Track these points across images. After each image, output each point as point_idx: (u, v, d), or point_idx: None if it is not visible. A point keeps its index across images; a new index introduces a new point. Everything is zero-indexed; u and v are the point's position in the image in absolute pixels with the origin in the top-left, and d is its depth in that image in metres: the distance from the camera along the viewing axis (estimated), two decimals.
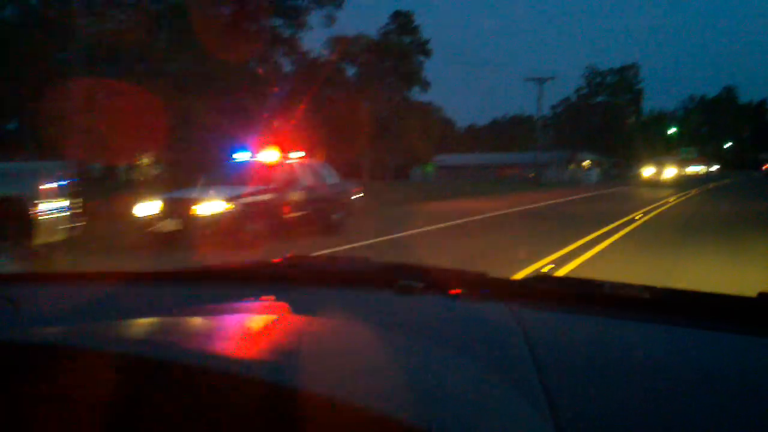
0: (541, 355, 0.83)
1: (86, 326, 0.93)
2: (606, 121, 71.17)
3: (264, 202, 10.86)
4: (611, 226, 13.59)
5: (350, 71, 45.68)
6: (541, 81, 51.51)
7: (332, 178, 13.46)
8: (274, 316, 1.00)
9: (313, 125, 32.84)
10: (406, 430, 0.56)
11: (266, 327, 0.92)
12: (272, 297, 1.13)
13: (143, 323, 0.94)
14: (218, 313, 1.02)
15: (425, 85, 47.83)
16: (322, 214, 12.27)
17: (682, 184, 38.96)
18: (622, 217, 15.50)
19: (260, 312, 1.05)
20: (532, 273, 6.07)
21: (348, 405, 0.59)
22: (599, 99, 77.57)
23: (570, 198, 26.31)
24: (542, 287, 1.17)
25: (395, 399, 0.62)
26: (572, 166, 63.94)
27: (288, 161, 12.24)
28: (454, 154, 77.93)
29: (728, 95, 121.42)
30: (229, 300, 1.11)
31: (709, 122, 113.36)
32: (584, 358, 0.85)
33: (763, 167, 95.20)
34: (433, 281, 1.18)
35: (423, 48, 47.05)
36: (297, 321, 0.96)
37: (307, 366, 0.68)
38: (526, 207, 20.87)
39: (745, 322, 0.98)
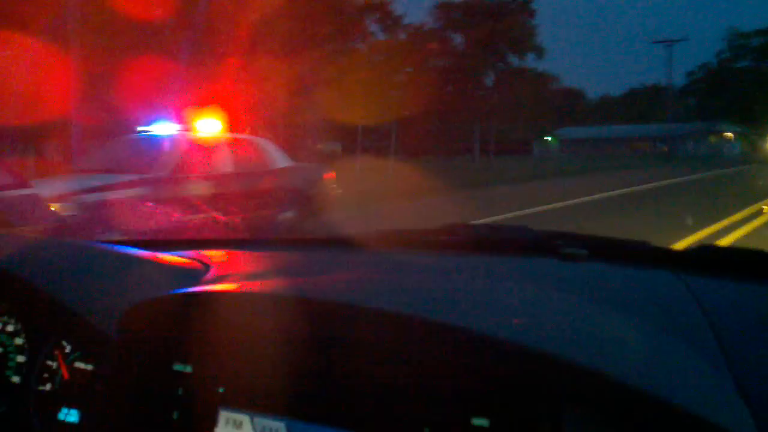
0: (714, 319, 0.84)
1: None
2: (752, 88, 63.56)
3: (134, 200, 6.83)
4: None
5: (456, 40, 43.61)
6: (671, 43, 46.49)
7: (281, 160, 9.41)
8: (454, 276, 1.11)
9: (407, 99, 31.53)
10: (586, 373, 0.64)
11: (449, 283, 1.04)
12: (445, 260, 1.25)
13: (330, 279, 1.07)
14: (398, 270, 1.18)
15: (539, 52, 44.26)
16: (255, 214, 7.97)
17: None
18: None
19: (438, 272, 1.16)
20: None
21: (533, 350, 0.67)
22: (743, 64, 69.27)
23: (691, 177, 22.68)
24: (705, 255, 1.15)
25: (578, 346, 0.69)
26: (712, 139, 58.25)
27: (192, 136, 8.36)
28: (580, 127, 73.89)
29: None
30: (405, 261, 1.24)
31: None
32: (757, 322, 0.86)
33: None
34: (597, 249, 1.18)
35: (526, 8, 42.13)
36: (475, 279, 1.07)
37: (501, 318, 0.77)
38: (624, 190, 17.55)
39: None
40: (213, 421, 0.83)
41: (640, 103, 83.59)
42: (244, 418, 0.82)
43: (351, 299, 0.82)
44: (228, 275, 1.17)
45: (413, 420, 0.73)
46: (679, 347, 0.75)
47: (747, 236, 8.39)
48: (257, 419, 0.81)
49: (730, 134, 59.12)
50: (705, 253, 1.15)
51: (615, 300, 0.95)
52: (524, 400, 0.69)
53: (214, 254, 1.36)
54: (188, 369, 0.88)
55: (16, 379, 1.06)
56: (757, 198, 13.07)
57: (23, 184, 6.17)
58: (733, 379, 0.67)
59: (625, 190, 17.03)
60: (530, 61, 44.51)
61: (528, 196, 15.48)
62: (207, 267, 1.21)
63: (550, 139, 66.03)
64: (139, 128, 8.91)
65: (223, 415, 0.83)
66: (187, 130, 8.50)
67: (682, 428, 0.59)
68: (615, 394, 0.63)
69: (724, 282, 1.05)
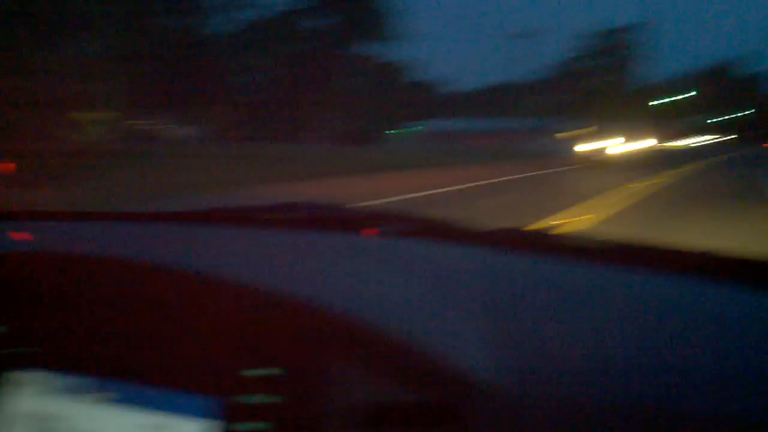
0: (499, 292, 0.94)
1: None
2: (598, 86, 66.05)
3: None
4: None
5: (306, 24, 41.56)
6: (526, 37, 46.65)
7: None
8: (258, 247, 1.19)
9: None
10: (357, 324, 0.74)
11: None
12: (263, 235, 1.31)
13: (143, 244, 1.18)
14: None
15: (391, 40, 42.88)
16: None
17: (637, 165, 25.29)
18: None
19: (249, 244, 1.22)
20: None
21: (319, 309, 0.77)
22: (594, 63, 72.05)
23: (464, 185, 21.55)
24: (510, 236, 1.26)
25: (360, 306, 0.80)
26: (560, 135, 59.74)
27: None
28: (444, 119, 74.03)
29: (744, 61, 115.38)
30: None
31: (718, 91, 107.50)
32: (535, 292, 0.95)
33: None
34: (410, 228, 1.29)
35: None
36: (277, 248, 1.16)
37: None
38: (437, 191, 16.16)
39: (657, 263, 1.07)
40: (24, 381, 0.87)
41: (503, 98, 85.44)
42: (56, 378, 0.86)
43: (155, 260, 0.92)
44: (39, 241, 1.21)
45: (218, 372, 0.81)
46: (447, 308, 0.84)
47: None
48: (70, 379, 0.85)
49: (562, 134, 60.62)
50: (511, 235, 1.25)
51: (412, 269, 1.03)
52: (304, 351, 0.77)
53: (37, 225, 1.40)
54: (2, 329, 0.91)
55: None
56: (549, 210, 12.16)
57: None
58: (492, 341, 0.75)
59: (437, 191, 15.41)
60: (390, 51, 43.17)
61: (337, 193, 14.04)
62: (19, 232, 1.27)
63: (407, 130, 65.63)
64: None
65: (34, 376, 0.88)
66: None
67: (434, 373, 0.70)
68: (377, 344, 0.73)
69: (524, 257, 1.14)
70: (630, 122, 41.51)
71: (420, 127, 67.57)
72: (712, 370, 0.70)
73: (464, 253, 1.16)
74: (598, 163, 23.62)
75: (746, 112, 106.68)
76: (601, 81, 68.17)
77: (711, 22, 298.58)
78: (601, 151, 24.15)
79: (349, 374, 0.75)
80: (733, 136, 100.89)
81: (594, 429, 0.65)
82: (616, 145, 24.24)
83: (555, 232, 1.43)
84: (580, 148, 25.11)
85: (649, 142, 39.60)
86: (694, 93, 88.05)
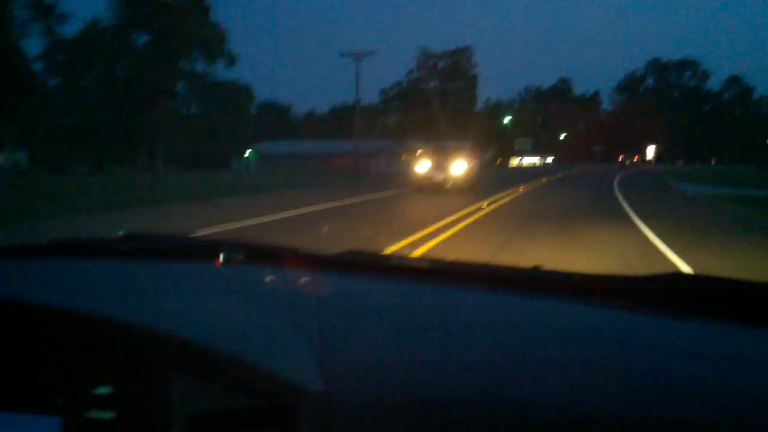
0: (325, 306, 1.02)
1: None
2: (438, 108, 67.75)
3: None
4: None
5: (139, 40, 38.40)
6: (359, 57, 46.11)
7: None
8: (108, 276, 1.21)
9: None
10: (184, 343, 0.84)
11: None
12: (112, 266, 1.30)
13: None
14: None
15: (226, 60, 40.58)
16: None
17: (476, 189, 23.23)
18: None
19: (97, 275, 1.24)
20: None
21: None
22: (432, 84, 74.03)
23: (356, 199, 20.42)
24: (349, 260, 1.35)
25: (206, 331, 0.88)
26: (404, 157, 60.41)
27: None
28: (283, 142, 72.67)
29: (563, 86, 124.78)
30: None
31: (543, 113, 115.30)
32: (359, 311, 1.03)
33: (620, 159, 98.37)
34: (253, 254, 1.36)
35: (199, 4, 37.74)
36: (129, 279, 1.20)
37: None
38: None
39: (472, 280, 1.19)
40: None
41: (343, 120, 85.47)
42: None
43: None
44: None
45: (56, 392, 0.89)
46: (279, 326, 0.92)
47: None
48: None
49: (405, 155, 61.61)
50: (350, 258, 1.33)
51: (248, 292, 1.11)
52: (140, 370, 0.87)
53: None
54: None
55: None
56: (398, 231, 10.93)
57: None
58: (319, 348, 0.85)
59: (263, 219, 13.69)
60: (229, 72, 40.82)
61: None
62: None
63: (251, 154, 63.38)
64: None
65: None
66: None
67: (265, 382, 0.80)
68: (209, 360, 0.82)
69: (354, 279, 1.22)
70: (469, 142, 40.87)
71: (263, 151, 65.56)
72: (490, 365, 0.82)
73: (302, 276, 1.21)
74: (440, 183, 22.45)
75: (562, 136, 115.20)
76: (441, 102, 70.06)
77: (544, 46, 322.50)
78: (443, 171, 22.61)
79: (185, 388, 0.82)
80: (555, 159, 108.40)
81: (420, 426, 0.75)
82: (455, 166, 22.76)
83: (396, 254, 1.44)
84: (422, 168, 23.30)
85: (487, 162, 40.52)
86: (512, 118, 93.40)
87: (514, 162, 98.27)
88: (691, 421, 0.72)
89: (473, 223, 12.65)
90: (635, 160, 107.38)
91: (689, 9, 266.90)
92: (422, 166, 23.51)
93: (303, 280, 1.17)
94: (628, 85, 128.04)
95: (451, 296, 1.11)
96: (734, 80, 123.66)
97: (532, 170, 58.30)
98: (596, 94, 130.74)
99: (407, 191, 22.89)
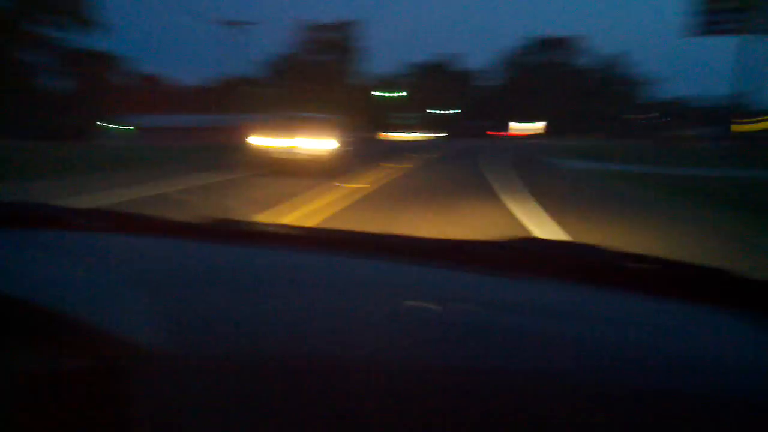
0: (175, 269, 1.05)
1: None
2: (316, 81, 66.38)
3: None
4: None
5: None
6: (239, 25, 44.27)
7: None
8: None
9: None
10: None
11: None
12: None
13: None
14: None
15: (87, 24, 37.82)
16: None
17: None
18: None
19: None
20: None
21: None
22: (318, 57, 72.50)
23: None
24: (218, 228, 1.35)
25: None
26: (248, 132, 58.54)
27: None
28: (162, 115, 69.31)
29: (450, 61, 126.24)
30: None
31: (427, 88, 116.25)
32: (213, 272, 1.06)
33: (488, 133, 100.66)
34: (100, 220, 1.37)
35: None
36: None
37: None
38: None
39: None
40: None
41: (231, 93, 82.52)
42: None
43: None
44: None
45: None
46: (115, 286, 0.93)
47: None
48: None
49: None
50: (202, 224, 1.32)
51: (87, 256, 1.11)
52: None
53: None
54: None
55: None
56: None
57: None
58: (157, 313, 0.85)
59: None
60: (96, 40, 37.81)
61: None
62: None
63: (122, 127, 59.94)
64: None
65: None
66: None
67: (97, 340, 0.78)
68: (33, 317, 0.79)
69: (209, 244, 1.23)
70: (341, 115, 39.20)
71: (138, 123, 62.24)
72: (329, 324, 0.86)
73: (158, 242, 1.23)
74: (294, 162, 17.84)
75: (456, 110, 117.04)
76: (322, 75, 68.77)
77: (427, 22, 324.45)
78: (299, 146, 17.85)
79: (9, 349, 0.80)
80: (444, 134, 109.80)
81: (265, 386, 0.76)
82: (317, 141, 17.92)
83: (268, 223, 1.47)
84: (267, 143, 17.99)
85: (368, 134, 38.70)
86: (399, 92, 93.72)
87: (402, 136, 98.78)
88: (535, 370, 0.76)
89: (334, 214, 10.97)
90: (525, 134, 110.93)
91: None
92: (268, 140, 18.20)
93: (148, 243, 1.18)
94: (515, 61, 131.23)
95: (297, 259, 1.15)
96: (618, 57, 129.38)
97: (416, 144, 58.13)
98: (484, 69, 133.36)
99: (247, 175, 17.57)
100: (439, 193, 14.15)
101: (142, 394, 0.74)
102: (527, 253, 1.16)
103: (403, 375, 0.75)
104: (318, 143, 18.10)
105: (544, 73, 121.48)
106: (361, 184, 15.27)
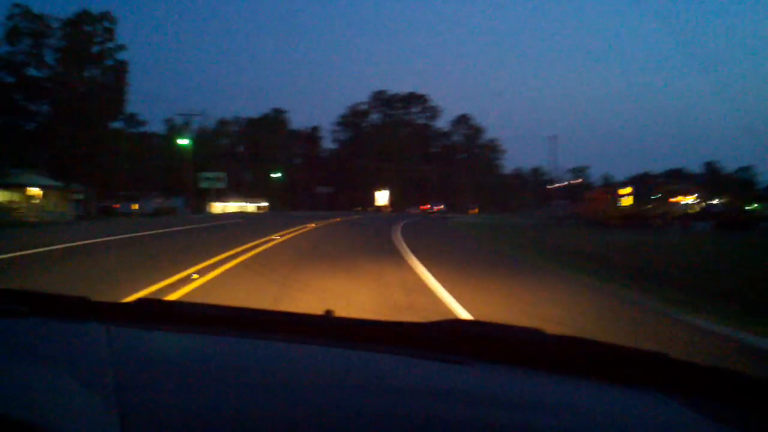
0: (121, 361, 1.01)
1: None
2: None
3: None
4: None
5: None
6: None
7: None
8: None
9: None
10: None
11: None
12: None
13: None
14: None
15: None
16: None
17: None
18: None
19: None
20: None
21: None
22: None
23: None
24: (143, 308, 1.32)
25: None
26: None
27: None
28: None
29: (278, 117, 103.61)
30: None
31: (252, 145, 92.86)
32: (159, 362, 1.04)
33: (421, 207, 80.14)
34: (38, 305, 1.28)
35: None
36: None
37: None
38: None
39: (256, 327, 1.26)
40: None
41: None
42: None
43: None
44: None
45: None
46: (72, 386, 0.87)
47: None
48: None
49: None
50: (144, 307, 1.32)
51: (33, 347, 1.04)
52: None
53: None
54: None
55: None
56: None
57: None
58: (117, 408, 0.82)
59: None
60: None
61: None
62: None
63: None
64: None
65: None
66: None
67: None
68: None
69: (150, 331, 1.19)
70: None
71: None
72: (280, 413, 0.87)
73: (93, 328, 1.15)
74: None
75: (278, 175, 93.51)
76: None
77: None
78: None
79: None
80: (264, 204, 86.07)
81: None
82: None
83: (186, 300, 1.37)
84: None
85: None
86: (187, 141, 69.31)
87: (216, 208, 74.15)
88: None
89: None
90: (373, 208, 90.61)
91: (416, 46, 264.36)
92: None
93: (95, 332, 1.12)
94: (352, 120, 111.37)
95: (242, 346, 1.15)
96: (463, 119, 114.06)
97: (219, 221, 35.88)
98: (316, 128, 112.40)
99: None
100: None
101: None
102: (452, 333, 1.19)
103: None
104: None
105: (386, 135, 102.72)
106: None
